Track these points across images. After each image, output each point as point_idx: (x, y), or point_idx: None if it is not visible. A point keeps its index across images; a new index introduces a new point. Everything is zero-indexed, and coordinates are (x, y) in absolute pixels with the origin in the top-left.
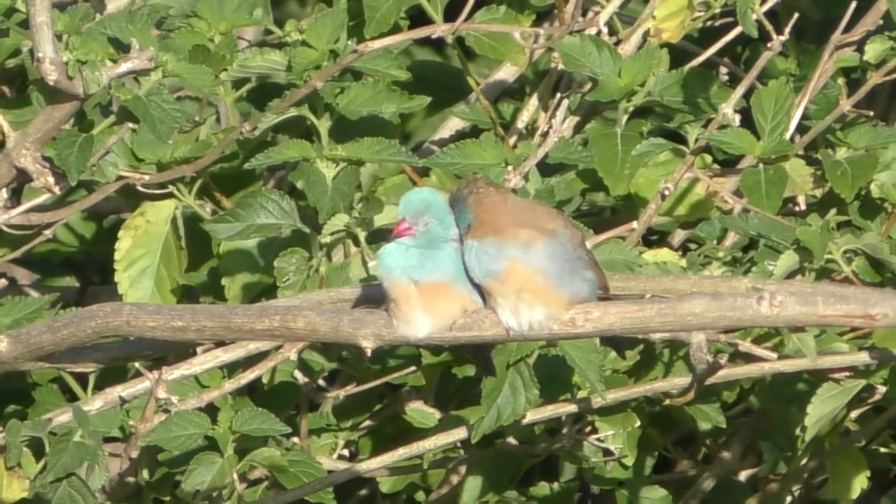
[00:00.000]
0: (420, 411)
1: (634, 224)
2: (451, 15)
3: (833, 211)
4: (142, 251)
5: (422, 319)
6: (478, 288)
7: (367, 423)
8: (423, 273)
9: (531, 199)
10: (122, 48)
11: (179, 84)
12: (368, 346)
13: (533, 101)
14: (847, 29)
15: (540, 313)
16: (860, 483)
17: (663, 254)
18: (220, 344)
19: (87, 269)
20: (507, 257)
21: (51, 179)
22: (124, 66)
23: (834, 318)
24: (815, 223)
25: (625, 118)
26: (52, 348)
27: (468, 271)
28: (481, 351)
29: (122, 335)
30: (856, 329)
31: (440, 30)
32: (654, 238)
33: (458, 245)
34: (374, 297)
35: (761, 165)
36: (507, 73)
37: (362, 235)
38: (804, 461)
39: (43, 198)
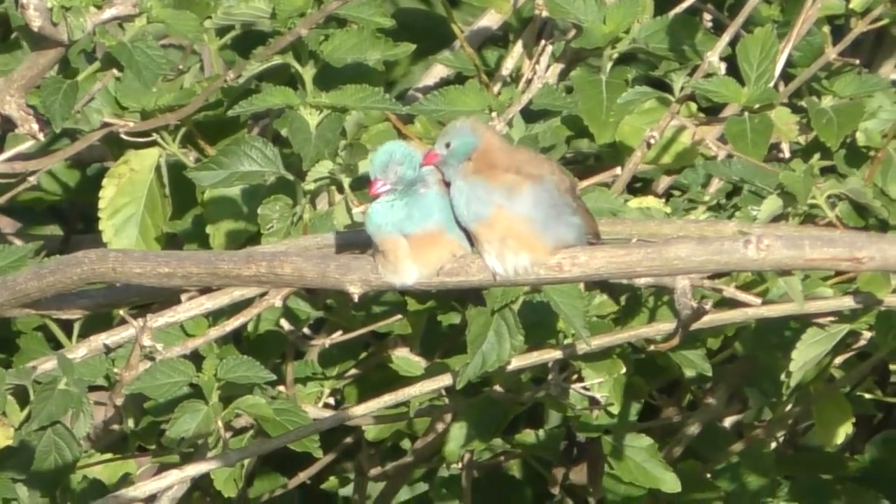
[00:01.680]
0: (406, 359)
1: (619, 171)
2: None
3: (817, 156)
4: (126, 199)
5: (410, 267)
6: (466, 232)
7: (353, 371)
8: (412, 224)
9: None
10: None
11: (164, 31)
12: (355, 291)
13: (517, 49)
14: None
15: (525, 259)
16: (845, 429)
17: (648, 201)
18: (204, 291)
19: (70, 218)
20: (493, 203)
21: (35, 126)
22: (109, 13)
23: (821, 262)
24: (799, 168)
25: (609, 65)
26: (38, 295)
27: (456, 214)
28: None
29: (108, 282)
30: (840, 274)
31: None
32: (638, 185)
33: (439, 189)
34: (360, 242)
35: (746, 113)
36: (491, 20)
37: (346, 182)
38: (789, 407)
39: (27, 144)
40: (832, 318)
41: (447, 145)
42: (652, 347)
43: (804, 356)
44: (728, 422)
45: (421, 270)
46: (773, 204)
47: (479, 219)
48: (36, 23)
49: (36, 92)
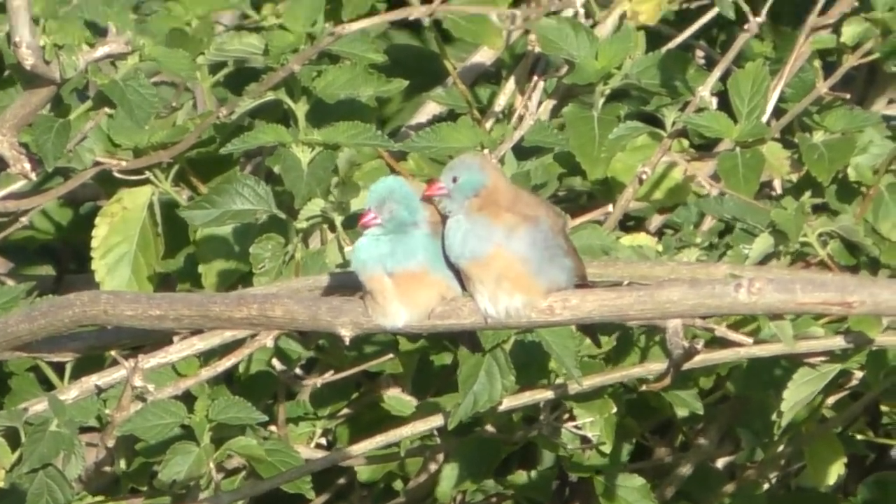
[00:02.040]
0: (398, 399)
1: (611, 209)
2: None
3: (808, 194)
4: (119, 238)
5: (398, 309)
6: (456, 272)
7: (345, 411)
8: (396, 261)
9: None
10: (98, 32)
11: (156, 68)
12: (346, 334)
13: (510, 85)
14: (823, 11)
15: (518, 301)
16: (837, 469)
17: (640, 238)
18: (196, 332)
19: (63, 257)
20: (493, 242)
21: (27, 166)
22: (101, 51)
23: (812, 306)
24: (791, 206)
25: (601, 101)
26: (30, 338)
27: (448, 249)
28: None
29: (100, 324)
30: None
31: (417, 12)
32: (630, 223)
33: (430, 230)
34: (351, 284)
35: (738, 149)
36: (484, 56)
37: (339, 220)
38: (781, 448)
39: (19, 184)
40: (823, 358)
41: (454, 179)
42: (644, 387)
43: (796, 396)
44: (720, 462)
45: (410, 313)
46: (764, 242)
47: (476, 257)
48: (28, 61)
49: (28, 130)
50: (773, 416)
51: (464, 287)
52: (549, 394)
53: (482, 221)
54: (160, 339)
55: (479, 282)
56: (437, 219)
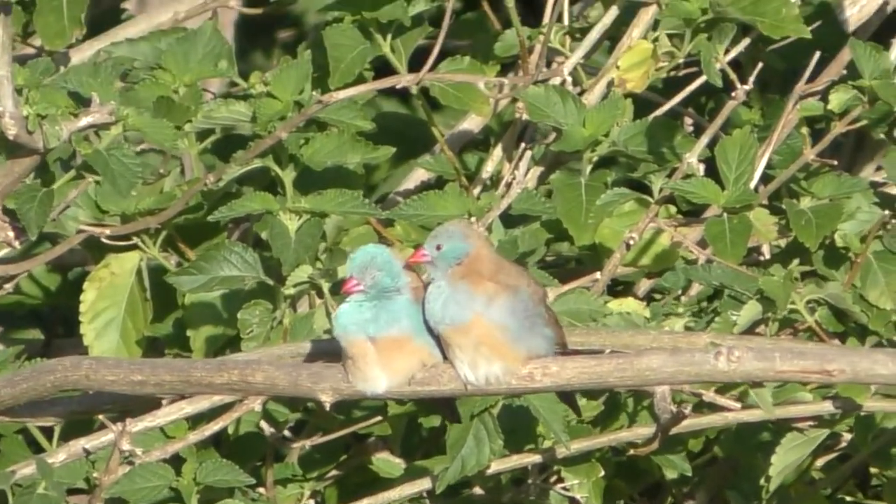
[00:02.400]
0: (386, 461)
1: (598, 275)
2: (415, 66)
3: (796, 261)
4: (107, 303)
5: (379, 375)
6: (437, 339)
7: (333, 472)
8: (378, 327)
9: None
10: (82, 102)
11: (142, 137)
12: (327, 400)
13: (497, 152)
14: (811, 79)
15: (497, 368)
16: None
17: (628, 303)
18: (185, 395)
19: (52, 322)
20: (473, 310)
21: (11, 234)
22: (84, 121)
23: (791, 374)
24: (779, 273)
25: (589, 168)
26: (12, 402)
27: (428, 314)
28: (444, 399)
29: (82, 389)
30: None
31: (404, 80)
32: (619, 288)
33: (412, 297)
34: (334, 351)
35: (725, 215)
36: (471, 123)
37: (326, 287)
38: None
39: (3, 251)
40: (812, 423)
41: (438, 247)
42: (632, 451)
43: (784, 461)
44: None
45: (391, 379)
46: (752, 309)
47: (455, 323)
48: (11, 131)
49: (12, 198)
50: (762, 481)
51: (444, 354)
52: (536, 458)
53: (463, 288)
54: (143, 405)
55: (458, 348)
56: (419, 285)
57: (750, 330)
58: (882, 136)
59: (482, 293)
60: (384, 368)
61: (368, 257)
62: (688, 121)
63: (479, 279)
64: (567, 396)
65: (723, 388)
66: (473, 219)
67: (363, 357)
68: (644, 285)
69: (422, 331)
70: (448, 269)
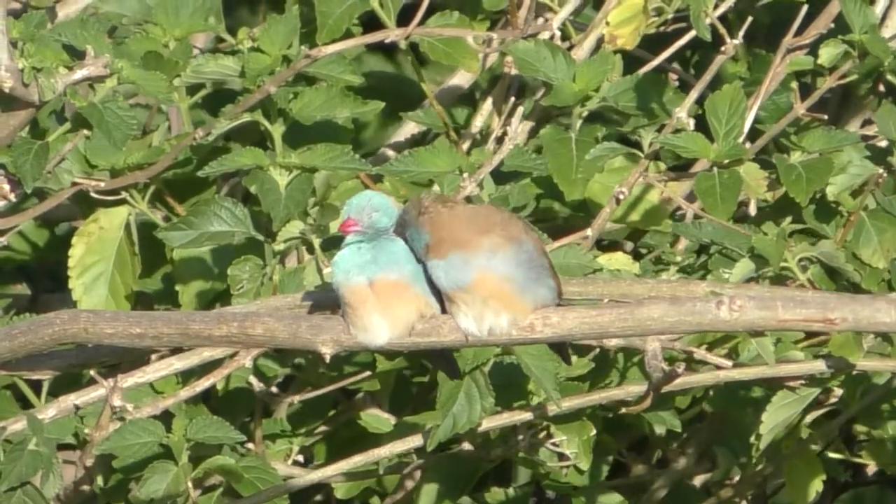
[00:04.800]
0: (375, 417)
1: (589, 232)
2: (403, 21)
3: (789, 219)
4: (95, 258)
5: (379, 324)
6: (435, 292)
7: (322, 428)
8: (378, 269)
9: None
10: (76, 55)
11: (134, 91)
12: (327, 352)
13: (487, 106)
14: (798, 32)
15: (504, 320)
16: (816, 487)
17: (617, 258)
18: (174, 351)
19: (39, 277)
20: (475, 267)
21: (6, 187)
22: (79, 73)
23: (793, 323)
24: (771, 231)
25: (579, 123)
26: (9, 356)
27: (436, 284)
28: (443, 354)
29: (80, 342)
30: (811, 336)
31: (393, 35)
32: (605, 242)
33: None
34: (330, 303)
35: (716, 169)
36: (460, 79)
37: (317, 242)
38: (759, 466)
39: None
40: (803, 382)
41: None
42: (623, 410)
43: (774, 418)
44: (698, 480)
45: (392, 330)
46: (745, 267)
47: (462, 285)
48: (7, 84)
49: (6, 152)
50: (752, 438)
51: (443, 305)
52: (527, 415)
53: (456, 255)
54: (139, 358)
55: (464, 304)
56: None
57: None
58: (867, 90)
59: (479, 249)
60: (384, 315)
61: (365, 199)
62: (673, 76)
63: (466, 240)
64: (559, 347)
65: (713, 345)
66: (465, 175)
67: (363, 304)
68: (631, 244)
69: (420, 278)
70: (421, 253)
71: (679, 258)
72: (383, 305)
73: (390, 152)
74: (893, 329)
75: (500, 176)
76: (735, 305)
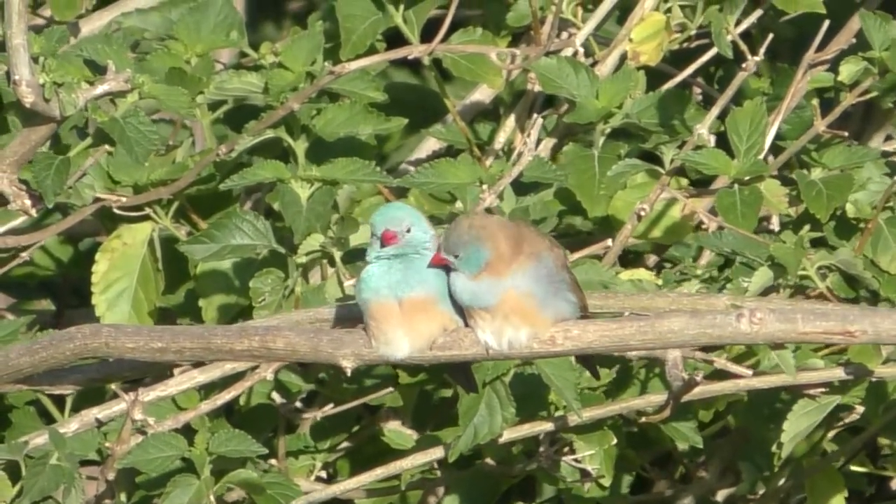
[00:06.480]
0: (397, 432)
1: (610, 243)
2: (427, 37)
3: (807, 228)
4: (119, 273)
5: (402, 339)
6: (457, 306)
7: (345, 444)
8: (408, 288)
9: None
10: (98, 70)
11: (156, 106)
12: (348, 365)
13: (510, 122)
14: (820, 48)
15: (524, 335)
16: (838, 502)
17: (639, 273)
18: (196, 365)
19: (63, 293)
20: (502, 288)
21: (28, 202)
22: (101, 88)
23: (814, 335)
24: (790, 240)
25: (602, 140)
26: (31, 370)
27: (458, 300)
28: (462, 368)
29: (101, 357)
30: (831, 345)
31: (416, 51)
32: (630, 257)
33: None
34: (352, 316)
35: (736, 186)
36: (483, 94)
37: (338, 255)
38: (782, 481)
39: (19, 220)
40: (823, 390)
41: (456, 256)
42: (643, 419)
43: (795, 427)
44: (721, 495)
45: (413, 343)
46: (763, 276)
47: (488, 306)
48: (28, 99)
49: (28, 167)
50: (774, 448)
51: (465, 320)
52: (548, 426)
53: (488, 281)
54: (160, 372)
55: (482, 319)
56: None
57: (762, 296)
58: (891, 105)
59: (508, 276)
60: (407, 331)
61: (401, 211)
62: (697, 91)
63: (503, 268)
64: (586, 361)
65: (735, 357)
66: (485, 186)
67: (387, 319)
68: (654, 257)
69: (445, 294)
70: (472, 273)
71: (700, 271)
72: (408, 319)
73: (412, 169)
74: None
75: (521, 190)
76: (755, 318)
